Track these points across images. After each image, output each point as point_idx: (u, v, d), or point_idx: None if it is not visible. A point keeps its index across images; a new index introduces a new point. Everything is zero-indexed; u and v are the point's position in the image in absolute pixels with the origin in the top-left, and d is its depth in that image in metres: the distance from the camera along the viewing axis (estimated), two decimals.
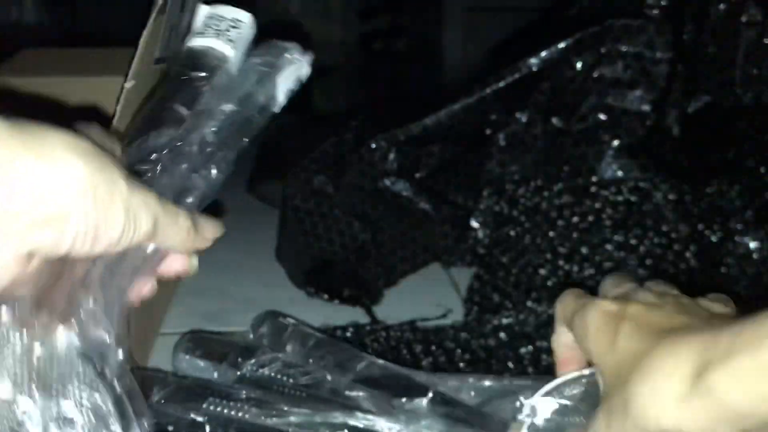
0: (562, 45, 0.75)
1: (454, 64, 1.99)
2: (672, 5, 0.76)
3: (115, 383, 0.35)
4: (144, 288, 0.41)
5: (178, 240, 0.38)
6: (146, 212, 0.35)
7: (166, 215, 0.37)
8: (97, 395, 0.34)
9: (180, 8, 0.47)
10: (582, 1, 0.83)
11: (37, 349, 0.33)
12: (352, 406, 0.50)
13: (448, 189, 0.81)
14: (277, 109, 0.45)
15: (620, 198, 0.73)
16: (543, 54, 0.76)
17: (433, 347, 0.65)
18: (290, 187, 0.80)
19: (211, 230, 0.41)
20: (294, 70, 0.44)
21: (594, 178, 0.74)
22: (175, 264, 0.41)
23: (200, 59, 0.42)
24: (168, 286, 0.75)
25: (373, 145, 0.77)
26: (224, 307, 0.75)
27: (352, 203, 0.79)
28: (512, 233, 0.76)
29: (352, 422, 0.49)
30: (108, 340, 0.36)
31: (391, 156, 0.78)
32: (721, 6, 0.79)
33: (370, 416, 0.49)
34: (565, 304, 0.43)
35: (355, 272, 0.78)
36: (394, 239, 0.80)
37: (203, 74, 0.42)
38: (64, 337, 0.34)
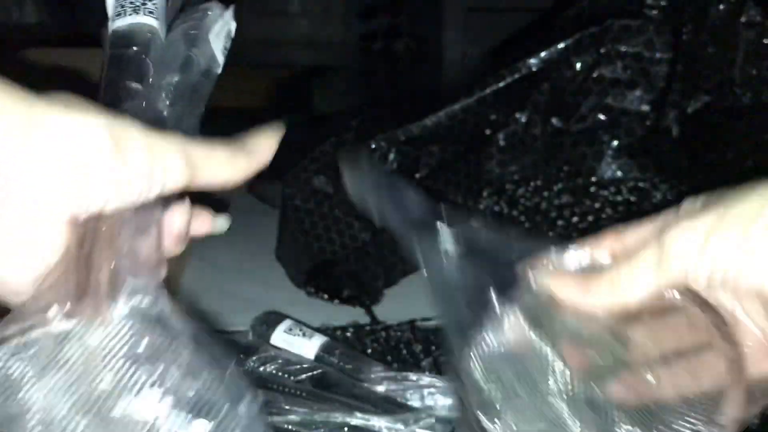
0: (561, 45, 0.76)
1: (454, 64, 1.99)
2: (672, 5, 0.76)
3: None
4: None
5: (223, 172, 0.36)
6: (172, 150, 0.33)
7: (197, 148, 0.34)
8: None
9: None
10: (582, 2, 0.83)
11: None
12: (352, 406, 0.50)
13: (448, 189, 0.81)
14: (219, 69, 0.44)
15: (620, 198, 0.73)
16: (543, 54, 0.76)
17: (433, 347, 0.65)
18: (290, 187, 0.80)
19: (262, 141, 0.39)
20: (222, 26, 0.44)
21: (594, 178, 0.74)
22: (203, 222, 0.40)
23: (130, 38, 0.42)
24: (168, 286, 0.75)
25: (373, 145, 0.77)
26: (224, 307, 0.75)
27: (351, 203, 0.79)
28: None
29: (352, 422, 0.49)
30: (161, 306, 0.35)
31: (391, 156, 0.78)
32: (721, 6, 0.79)
33: (370, 416, 0.49)
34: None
35: (355, 272, 0.78)
36: (394, 239, 0.80)
37: (139, 49, 0.41)
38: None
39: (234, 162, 0.37)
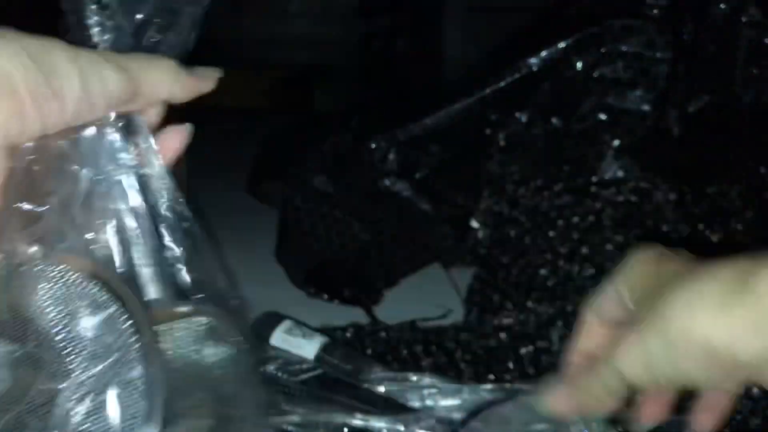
0: (562, 45, 0.76)
1: (454, 64, 1.99)
2: (672, 5, 0.76)
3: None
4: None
5: (167, 80, 0.36)
6: (108, 64, 0.33)
7: (136, 59, 0.34)
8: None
9: None
10: (582, 1, 0.83)
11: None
12: (352, 406, 0.50)
13: (448, 189, 0.81)
14: None
15: (620, 198, 0.73)
16: (543, 54, 0.76)
17: (433, 347, 0.65)
18: (290, 187, 0.80)
19: (207, 70, 0.38)
20: None
21: (594, 178, 0.74)
22: (171, 137, 0.38)
23: None
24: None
25: (373, 145, 0.77)
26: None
27: (351, 203, 0.79)
28: (512, 233, 0.76)
29: (352, 422, 0.49)
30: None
31: (391, 156, 0.78)
32: (722, 6, 0.79)
33: (370, 417, 0.49)
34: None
35: (355, 272, 0.78)
36: (394, 239, 0.80)
37: None
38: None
39: (177, 74, 0.36)
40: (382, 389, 0.55)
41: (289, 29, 2.29)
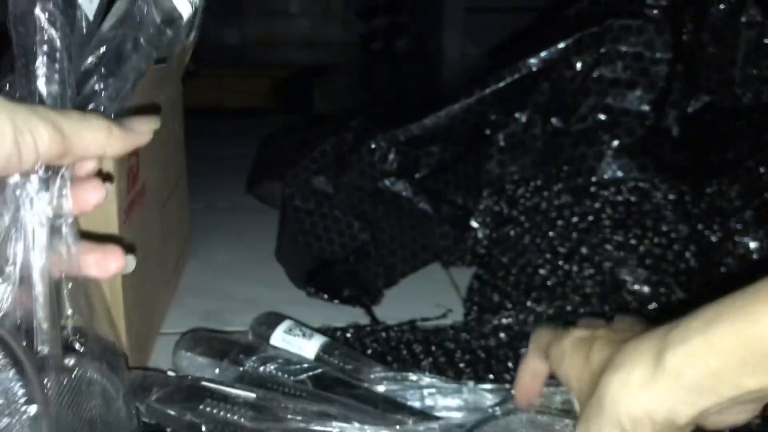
0: (561, 45, 0.76)
1: (454, 64, 1.99)
2: (672, 5, 0.76)
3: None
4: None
5: (99, 139, 0.37)
6: (41, 121, 0.34)
7: (70, 119, 0.36)
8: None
9: None
10: (582, 1, 0.83)
11: None
12: (351, 406, 0.50)
13: (448, 189, 0.81)
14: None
15: (620, 198, 0.73)
16: (543, 54, 0.76)
17: (433, 347, 0.65)
18: (290, 187, 0.80)
19: (142, 123, 0.40)
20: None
21: (594, 178, 0.74)
22: (91, 191, 0.39)
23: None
24: (169, 286, 0.75)
25: (373, 145, 0.78)
26: (224, 307, 0.75)
27: (351, 203, 0.79)
28: (512, 233, 0.76)
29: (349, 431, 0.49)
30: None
31: (391, 156, 0.78)
32: (722, 6, 0.79)
33: (366, 427, 0.49)
34: (541, 336, 0.46)
35: (355, 272, 0.78)
36: (393, 239, 0.80)
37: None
38: None
39: (110, 132, 0.37)
40: (382, 389, 0.55)
41: (289, 29, 2.30)
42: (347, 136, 0.80)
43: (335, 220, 0.79)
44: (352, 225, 0.79)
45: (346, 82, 2.12)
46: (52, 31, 0.37)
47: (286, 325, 0.61)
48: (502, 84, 0.76)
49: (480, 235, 0.80)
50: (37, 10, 0.36)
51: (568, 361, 0.41)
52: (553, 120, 0.77)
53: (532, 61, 0.76)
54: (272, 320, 0.62)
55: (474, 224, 0.80)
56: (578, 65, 0.76)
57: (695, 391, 0.33)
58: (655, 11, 0.76)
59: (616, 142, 0.75)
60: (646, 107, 0.75)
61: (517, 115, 0.78)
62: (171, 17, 0.41)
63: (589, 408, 0.37)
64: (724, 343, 0.32)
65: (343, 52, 2.28)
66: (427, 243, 0.81)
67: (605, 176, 0.74)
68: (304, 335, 0.60)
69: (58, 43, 0.37)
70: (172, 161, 0.78)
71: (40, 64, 0.36)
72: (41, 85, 0.37)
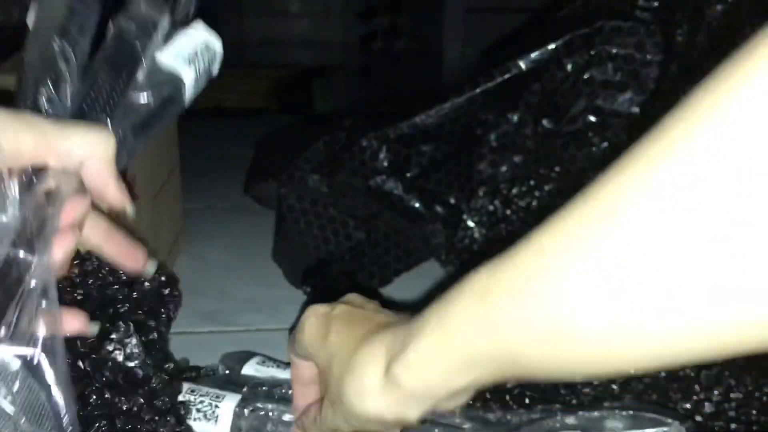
0: (552, 46, 0.76)
1: (453, 64, 2.00)
2: (663, 7, 0.77)
3: None
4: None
5: (81, 140, 0.38)
6: (18, 123, 0.36)
7: (50, 122, 0.37)
8: None
9: None
10: (574, 3, 0.83)
11: None
12: None
13: (439, 188, 0.81)
14: (185, 86, 0.45)
15: None
16: (533, 55, 0.76)
17: None
18: (285, 186, 0.80)
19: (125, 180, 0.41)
20: (190, 43, 0.44)
21: (585, 180, 0.75)
22: (71, 204, 0.39)
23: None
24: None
25: (364, 143, 0.78)
26: (224, 307, 0.76)
27: (345, 202, 0.80)
28: (504, 233, 0.77)
29: None
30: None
31: (382, 154, 0.78)
32: (718, 6, 0.79)
33: None
34: (293, 338, 0.46)
35: (351, 271, 0.79)
36: (387, 237, 0.81)
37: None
38: None
39: (92, 138, 0.38)
40: None
41: (289, 29, 2.30)
42: (340, 134, 0.80)
43: (330, 219, 0.80)
44: (346, 223, 0.80)
45: (346, 82, 2.13)
46: (63, 65, 0.38)
47: (256, 359, 0.60)
48: (492, 84, 0.77)
49: (473, 233, 0.80)
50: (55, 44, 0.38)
51: (308, 341, 0.43)
52: (544, 121, 0.78)
53: (523, 61, 0.76)
54: (242, 358, 0.61)
55: (470, 223, 0.80)
56: (569, 66, 0.76)
57: (416, 397, 0.36)
58: (647, 13, 0.76)
59: (606, 144, 0.75)
60: (636, 109, 0.75)
61: (508, 115, 0.78)
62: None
63: (330, 393, 0.40)
64: (431, 353, 0.34)
65: (343, 52, 2.29)
66: (420, 241, 0.81)
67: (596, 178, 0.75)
68: (278, 367, 0.59)
69: (67, 76, 0.38)
70: (165, 155, 0.79)
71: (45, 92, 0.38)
72: (43, 105, 0.38)
